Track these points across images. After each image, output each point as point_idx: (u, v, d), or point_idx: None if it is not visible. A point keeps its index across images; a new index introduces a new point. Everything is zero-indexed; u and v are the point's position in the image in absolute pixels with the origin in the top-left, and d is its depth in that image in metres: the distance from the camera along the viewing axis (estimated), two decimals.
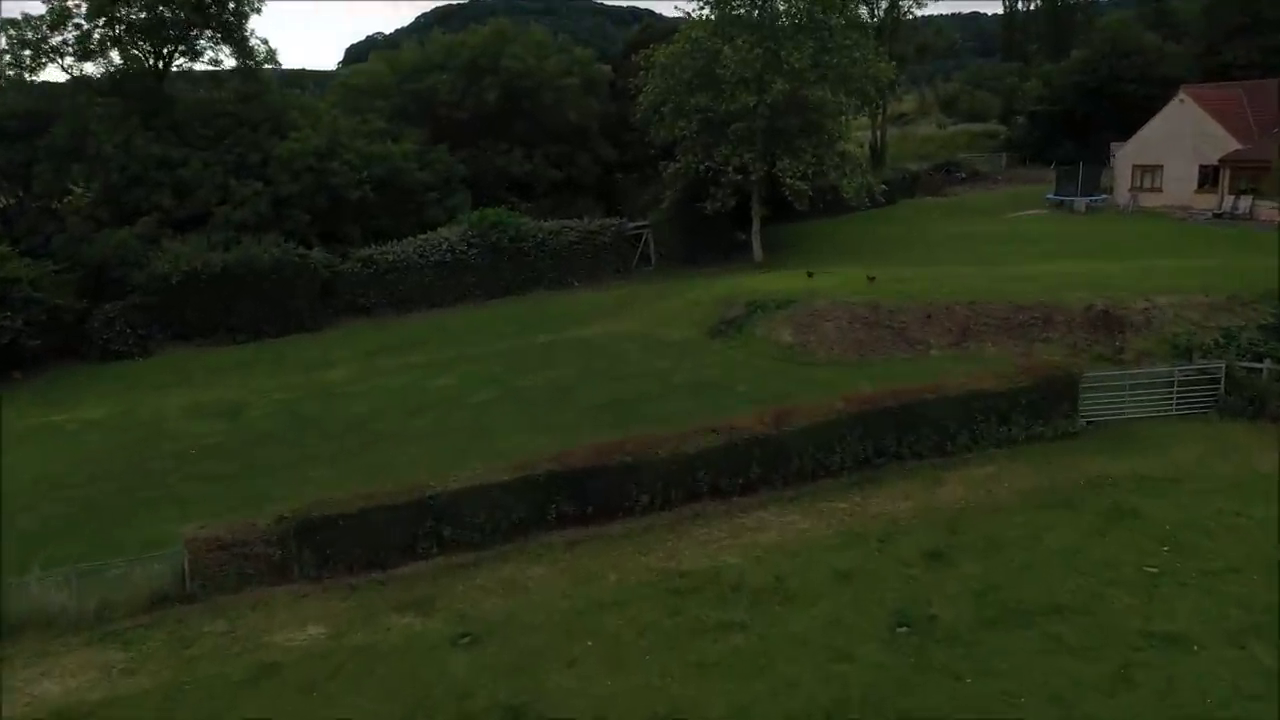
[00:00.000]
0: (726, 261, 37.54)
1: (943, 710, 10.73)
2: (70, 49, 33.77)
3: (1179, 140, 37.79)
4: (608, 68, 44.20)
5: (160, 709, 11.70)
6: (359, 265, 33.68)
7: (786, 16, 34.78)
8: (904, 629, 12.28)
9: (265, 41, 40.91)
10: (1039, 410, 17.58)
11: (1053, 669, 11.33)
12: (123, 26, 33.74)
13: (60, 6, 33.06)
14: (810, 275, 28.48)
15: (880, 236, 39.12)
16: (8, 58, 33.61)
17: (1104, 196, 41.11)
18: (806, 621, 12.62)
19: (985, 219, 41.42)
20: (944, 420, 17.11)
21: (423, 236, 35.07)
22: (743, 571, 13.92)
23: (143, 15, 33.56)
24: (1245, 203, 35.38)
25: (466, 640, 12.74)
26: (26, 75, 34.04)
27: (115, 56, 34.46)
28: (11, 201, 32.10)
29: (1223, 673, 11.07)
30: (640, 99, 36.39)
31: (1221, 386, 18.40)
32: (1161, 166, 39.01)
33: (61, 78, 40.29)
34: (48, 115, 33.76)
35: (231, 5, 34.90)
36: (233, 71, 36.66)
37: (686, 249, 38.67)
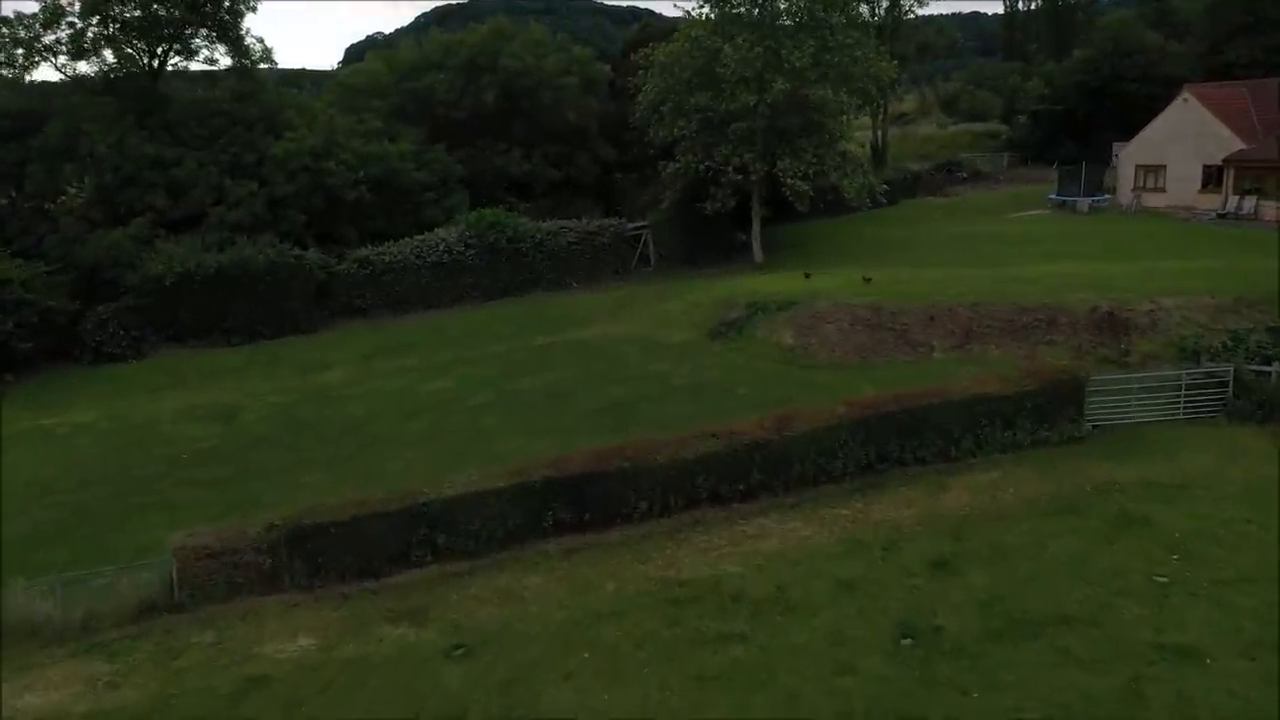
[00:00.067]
0: (726, 262, 37.24)
1: None
2: (64, 48, 33.47)
3: (1182, 140, 37.50)
4: (607, 67, 43.87)
5: None
6: (355, 266, 33.36)
7: (787, 15, 34.47)
8: (908, 641, 11.99)
9: (261, 40, 40.74)
10: (1044, 414, 17.30)
11: (1061, 683, 11.04)
12: (116, 25, 33.39)
13: (53, 5, 32.72)
14: (807, 276, 28.23)
15: (881, 237, 38.84)
16: (1, 56, 33.27)
17: (1107, 196, 40.84)
18: (808, 633, 12.33)
19: (987, 219, 41.16)
20: (948, 425, 16.84)
21: (420, 237, 34.75)
22: (743, 580, 13.63)
23: (137, 14, 33.23)
24: (1250, 203, 35.11)
25: (460, 652, 12.46)
26: (19, 74, 33.71)
27: (109, 55, 34.23)
28: (4, 202, 31.74)
29: (1236, 687, 10.77)
30: (639, 98, 36.08)
31: (1230, 390, 18.12)
32: (1165, 166, 38.73)
33: (55, 77, 39.98)
34: (41, 115, 33.46)
35: (227, 4, 34.59)
36: (228, 71, 36.32)
37: (686, 250, 38.37)
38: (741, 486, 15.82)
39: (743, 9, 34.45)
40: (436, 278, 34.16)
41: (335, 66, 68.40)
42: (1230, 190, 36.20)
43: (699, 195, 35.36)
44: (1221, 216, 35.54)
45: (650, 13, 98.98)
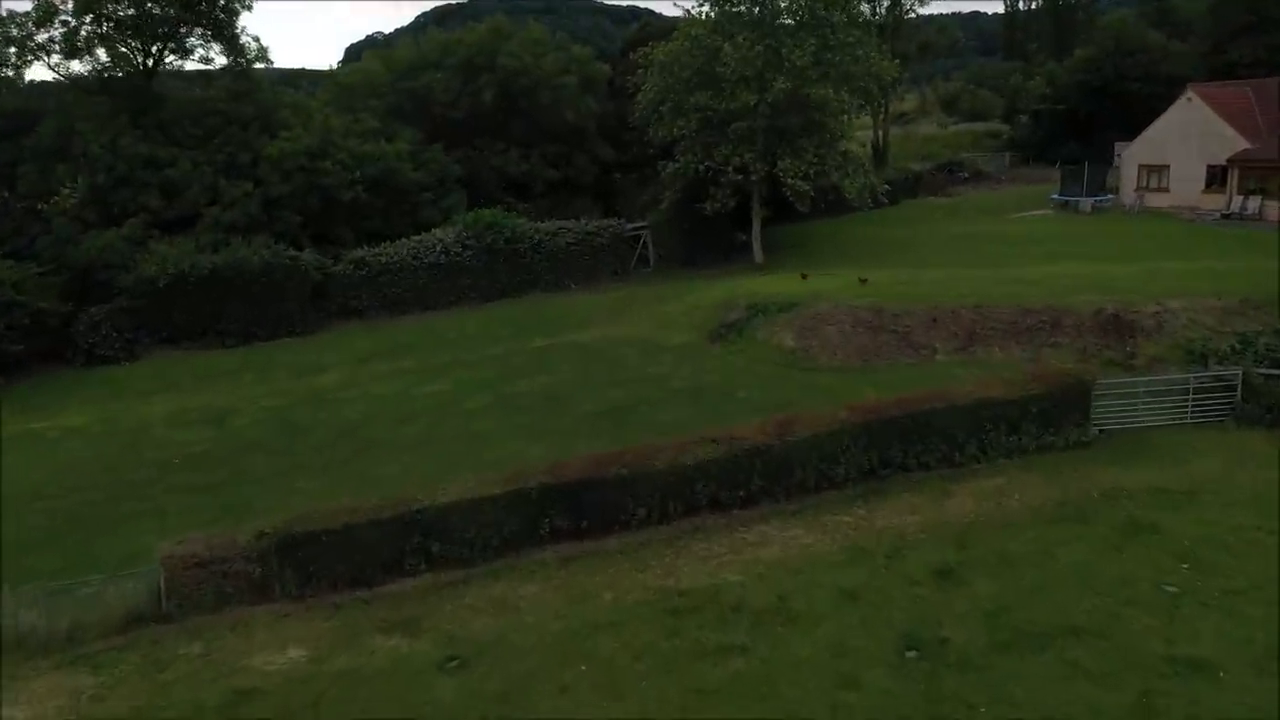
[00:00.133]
0: (726, 263, 36.97)
1: None
2: (57, 46, 33.20)
3: (1186, 139, 37.24)
4: (606, 66, 43.57)
5: None
6: (351, 267, 33.07)
7: (788, 14, 34.19)
8: (913, 653, 11.69)
9: (256, 39, 40.32)
10: (1050, 419, 17.00)
11: (1071, 697, 10.74)
12: (110, 24, 33.09)
13: (46, 3, 32.41)
14: (804, 277, 27.99)
15: (883, 237, 38.59)
16: None
17: (1109, 196, 40.59)
18: (810, 645, 12.02)
19: (989, 219, 40.92)
20: (952, 429, 16.53)
21: (417, 238, 34.46)
22: (744, 590, 13.33)
23: (130, 12, 32.92)
24: (1254, 203, 34.86)
25: (454, 664, 12.15)
26: (12, 74, 33.40)
27: (102, 54, 33.91)
28: None
29: (1250, 701, 10.48)
30: (639, 98, 35.81)
31: (1238, 393, 17.83)
32: (1168, 166, 38.47)
33: (48, 76, 39.68)
34: (34, 114, 33.17)
35: (221, 2, 34.27)
36: (223, 70, 36.01)
37: (686, 250, 38.09)
38: (742, 493, 15.51)
39: (743, 7, 34.17)
40: (434, 279, 33.86)
41: (335, 66, 68.27)
42: (1234, 190, 35.95)
43: (699, 195, 35.08)
44: (1225, 217, 35.28)
45: (650, 12, 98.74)
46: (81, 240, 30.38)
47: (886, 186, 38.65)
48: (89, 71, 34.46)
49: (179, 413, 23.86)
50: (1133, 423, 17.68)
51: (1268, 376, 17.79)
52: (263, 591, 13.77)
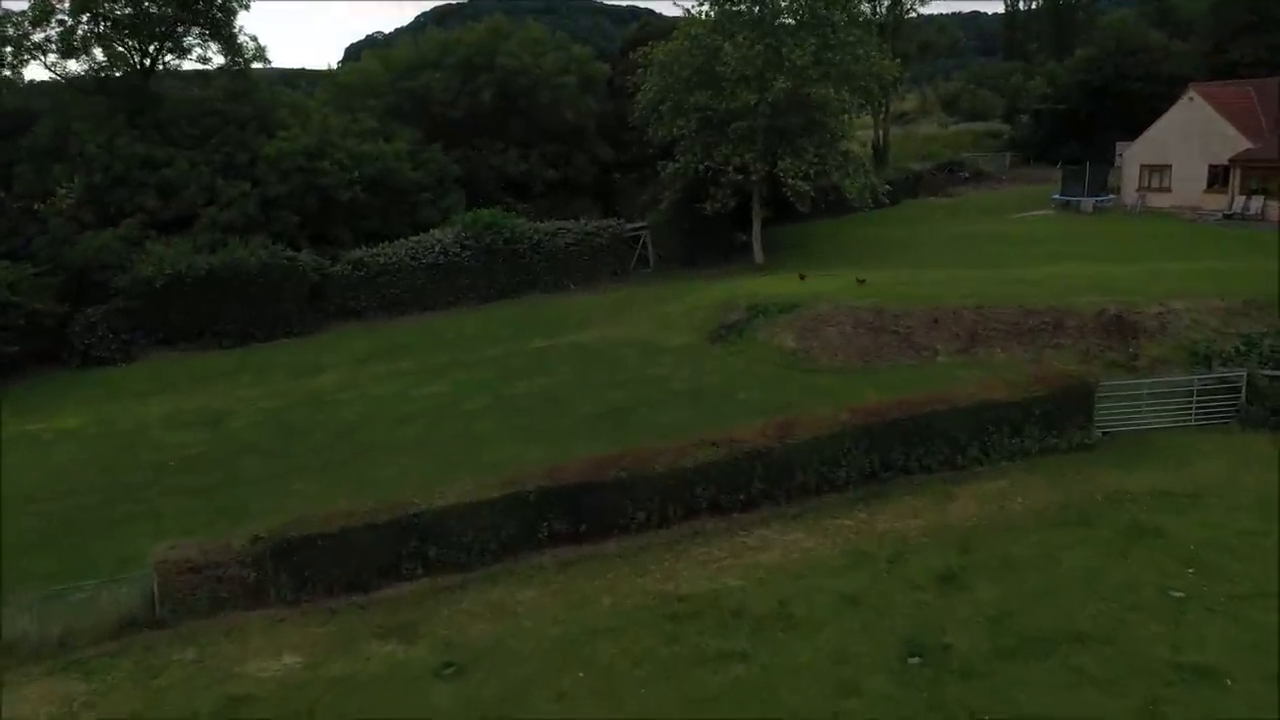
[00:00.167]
0: (726, 263, 36.80)
1: None
2: (53, 46, 32.96)
3: (1188, 139, 37.09)
4: (605, 66, 43.41)
5: None
6: (349, 268, 32.88)
7: (788, 13, 34.02)
8: (916, 660, 11.54)
9: (254, 38, 40.08)
10: (1053, 421, 16.86)
11: (1076, 704, 10.61)
12: (107, 23, 32.90)
13: (43, 2, 32.18)
14: (802, 278, 27.86)
15: (883, 238, 38.43)
16: None
17: (1111, 197, 40.44)
18: (811, 651, 11.88)
19: (990, 219, 40.76)
20: (954, 432, 16.39)
21: (415, 238, 34.27)
22: (744, 595, 13.19)
23: (127, 11, 32.74)
24: (1256, 203, 34.70)
25: (451, 671, 12.00)
26: (8, 73, 33.21)
27: (99, 54, 33.66)
28: None
29: (1258, 710, 10.32)
30: (638, 97, 35.64)
31: (1243, 395, 17.68)
32: (1170, 166, 38.31)
33: (45, 76, 39.50)
34: (30, 114, 32.97)
35: (219, 1, 34.07)
36: (220, 69, 35.82)
37: (686, 251, 37.93)
38: (742, 496, 15.37)
39: (743, 6, 34.01)
40: (432, 279, 33.69)
41: (336, 66, 67.95)
42: (1236, 190, 35.80)
43: (699, 195, 34.92)
44: (1228, 217, 35.13)
45: (650, 11, 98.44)
46: (78, 241, 30.20)
47: (887, 187, 38.50)
48: (86, 71, 34.28)
49: (175, 414, 23.70)
50: (1136, 425, 17.54)
51: (1272, 378, 17.65)
52: (257, 596, 13.63)
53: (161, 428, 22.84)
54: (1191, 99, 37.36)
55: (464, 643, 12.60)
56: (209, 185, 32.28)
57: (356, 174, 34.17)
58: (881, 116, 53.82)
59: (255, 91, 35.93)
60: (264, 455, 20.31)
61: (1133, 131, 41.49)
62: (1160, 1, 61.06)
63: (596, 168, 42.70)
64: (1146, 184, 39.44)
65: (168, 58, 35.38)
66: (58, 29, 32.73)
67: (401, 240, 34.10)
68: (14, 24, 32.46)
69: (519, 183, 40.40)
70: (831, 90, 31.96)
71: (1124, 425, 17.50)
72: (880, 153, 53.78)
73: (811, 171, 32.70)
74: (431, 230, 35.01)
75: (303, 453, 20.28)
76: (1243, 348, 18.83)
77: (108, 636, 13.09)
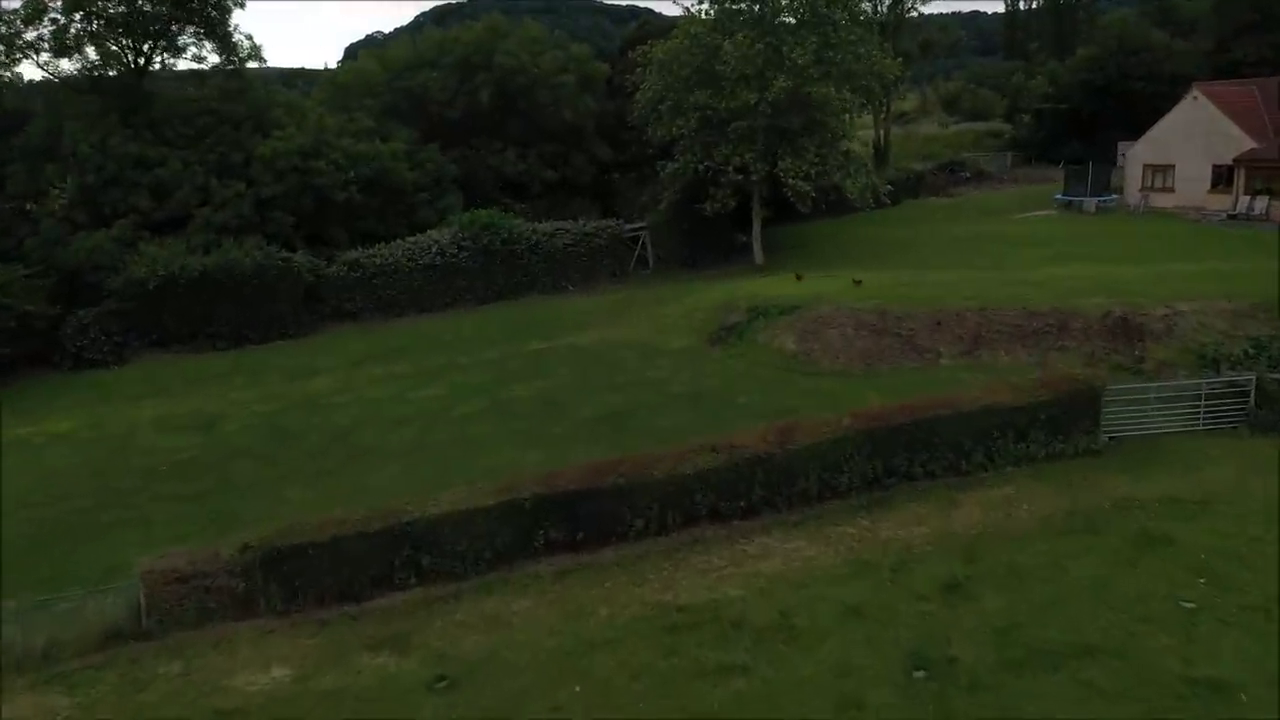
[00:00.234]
0: (726, 264, 36.52)
1: None
2: (46, 44, 32.61)
3: (1192, 139, 36.78)
4: (605, 65, 43.11)
5: None
6: (345, 269, 32.57)
7: (788, 12, 33.73)
8: (921, 673, 11.23)
9: (249, 37, 39.67)
10: (1059, 426, 16.55)
11: (1086, 719, 10.28)
12: (100, 21, 32.58)
13: (35, 0, 31.88)
14: (799, 279, 27.62)
15: (884, 238, 38.14)
16: None
17: (1114, 197, 40.14)
18: (813, 664, 11.57)
19: (992, 220, 40.46)
20: (958, 437, 16.09)
21: (412, 239, 33.97)
22: (744, 605, 12.87)
23: (121, 9, 32.42)
24: (1261, 203, 34.39)
25: (444, 684, 11.69)
26: (1, 72, 32.87)
27: (92, 53, 33.36)
28: None
29: None
30: (638, 96, 35.35)
31: (1251, 400, 17.38)
32: (1173, 166, 38.01)
33: (37, 75, 39.19)
34: (22, 113, 32.66)
35: None
36: (215, 69, 35.48)
37: (685, 251, 37.63)
38: (743, 503, 15.07)
39: (743, 5, 33.72)
40: (429, 281, 33.39)
41: (336, 66, 67.48)
42: (1241, 190, 35.48)
43: (698, 196, 34.63)
44: (1232, 217, 34.82)
45: (649, 11, 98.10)
46: (70, 242, 29.89)
47: (889, 187, 38.15)
48: (79, 70, 33.96)
49: (167, 418, 23.39)
50: (1143, 429, 17.24)
51: None
52: (246, 607, 13.33)
53: (154, 431, 22.53)
54: (1195, 98, 37.05)
55: (457, 655, 12.30)
56: (203, 185, 31.96)
57: (352, 174, 33.85)
58: (882, 116, 53.53)
59: (250, 91, 35.59)
60: (256, 460, 20.03)
61: (1135, 131, 41.20)
62: (1161, 1, 60.77)
63: (595, 168, 42.38)
64: (1149, 184, 39.14)
65: (162, 57, 35.10)
66: (50, 27, 32.45)
67: (398, 241, 33.80)
68: (6, 22, 32.17)
69: (517, 183, 40.09)
70: (832, 89, 31.67)
71: (1131, 430, 17.20)
72: (881, 152, 53.48)
73: (812, 171, 32.42)
74: (428, 231, 34.71)
75: (296, 457, 20.00)
76: (1251, 351, 18.55)
77: (93, 648, 12.78)
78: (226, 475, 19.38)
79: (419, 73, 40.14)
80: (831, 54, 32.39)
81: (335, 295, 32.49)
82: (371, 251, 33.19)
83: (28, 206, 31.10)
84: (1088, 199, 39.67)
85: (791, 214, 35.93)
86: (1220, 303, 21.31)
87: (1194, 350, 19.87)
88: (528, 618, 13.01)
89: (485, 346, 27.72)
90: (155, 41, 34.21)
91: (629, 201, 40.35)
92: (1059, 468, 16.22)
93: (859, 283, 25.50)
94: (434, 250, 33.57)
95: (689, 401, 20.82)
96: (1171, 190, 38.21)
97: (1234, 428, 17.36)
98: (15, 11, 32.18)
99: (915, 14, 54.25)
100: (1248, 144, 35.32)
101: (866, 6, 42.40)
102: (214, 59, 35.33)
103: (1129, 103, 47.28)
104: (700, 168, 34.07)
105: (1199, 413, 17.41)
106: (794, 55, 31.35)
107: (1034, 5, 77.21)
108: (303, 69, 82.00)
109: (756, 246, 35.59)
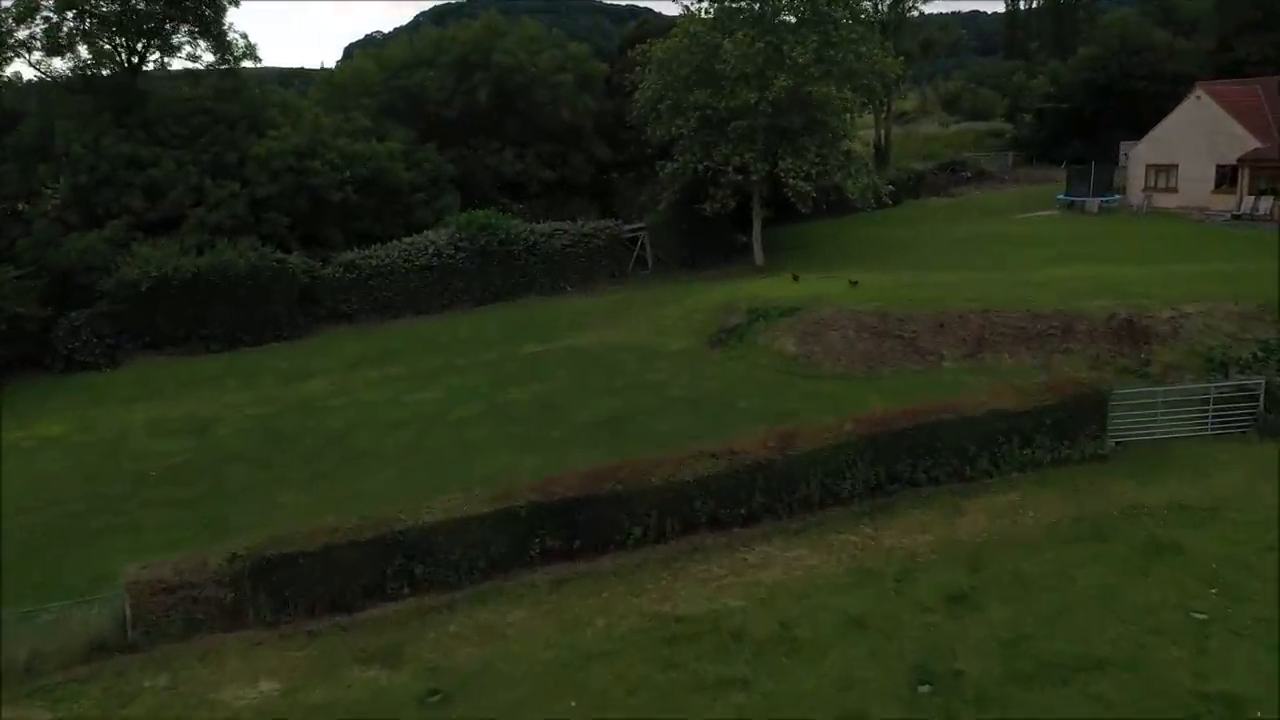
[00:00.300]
0: (726, 265, 36.22)
1: None
2: (38, 43, 32.28)
3: (1195, 139, 36.49)
4: (603, 64, 42.79)
5: None
6: (341, 270, 32.25)
7: (789, 10, 33.42)
8: (926, 687, 10.93)
9: (244, 36, 39.30)
10: (1065, 430, 16.25)
11: None
12: (93, 20, 32.24)
13: None
14: (795, 279, 27.35)
15: (886, 239, 37.86)
16: None
17: (1116, 197, 39.85)
18: (816, 678, 11.27)
19: (994, 220, 40.18)
20: (962, 442, 15.77)
21: (408, 240, 33.65)
22: (745, 616, 12.58)
23: (114, 7, 32.08)
24: (1266, 204, 34.09)
25: (436, 698, 11.40)
26: None
27: (84, 51, 32.96)
28: None
29: None
30: (637, 96, 35.05)
31: (1261, 404, 17.07)
32: (1176, 166, 37.72)
33: (30, 74, 38.77)
34: (14, 113, 32.31)
35: None
36: (210, 68, 35.14)
37: (685, 252, 37.33)
38: (743, 510, 14.77)
39: (743, 3, 33.46)
40: (425, 282, 33.07)
41: (334, 66, 67.00)
42: (1245, 190, 35.19)
43: (698, 196, 34.33)
44: (1236, 218, 34.53)
45: (649, 10, 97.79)
46: (62, 242, 29.55)
47: (890, 187, 37.83)
48: (71, 69, 33.57)
49: (160, 421, 23.07)
50: (1151, 434, 16.94)
51: None
52: (235, 618, 13.03)
53: (146, 435, 22.23)
54: (1199, 98, 36.77)
55: (450, 667, 12.01)
56: (197, 186, 31.62)
57: (348, 174, 33.52)
58: (883, 115, 53.24)
59: (245, 90, 35.25)
60: (249, 464, 19.72)
61: (1137, 131, 40.92)
62: (1162, 0, 60.47)
63: (594, 168, 42.06)
64: (1152, 184, 38.87)
65: (156, 55, 34.80)
66: (42, 26, 32.08)
67: (394, 242, 33.49)
68: None
69: (515, 183, 39.76)
70: (833, 89, 31.38)
71: (1138, 435, 16.91)
72: (882, 152, 53.20)
73: (813, 171, 32.14)
74: (425, 231, 34.38)
75: (289, 462, 19.70)
76: (1260, 354, 18.23)
77: (77, 661, 12.48)
78: (219, 480, 19.07)
79: (416, 72, 39.81)
80: (833, 53, 32.10)
81: (331, 297, 32.18)
82: (367, 252, 32.88)
83: (20, 207, 30.81)
84: (1090, 199, 39.39)
85: (792, 214, 35.63)
86: (1227, 304, 20.99)
87: (1201, 353, 19.56)
88: (523, 629, 12.72)
89: (482, 348, 27.42)
90: (149, 40, 33.88)
91: (628, 201, 40.03)
92: (1065, 473, 15.93)
93: (855, 284, 25.23)
94: (431, 251, 33.26)
95: (688, 405, 20.52)
96: (1175, 190, 37.93)
97: (1243, 432, 17.05)
98: (7, 10, 31.88)
99: (916, 13, 54.03)
100: (1252, 144, 35.03)
101: (867, 5, 42.11)
102: (209, 58, 35.12)
103: (1131, 102, 47.00)
104: (700, 168, 33.78)
105: (1207, 417, 17.11)
106: (795, 54, 31.06)
107: (1034, 5, 76.97)
108: (302, 69, 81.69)
109: (756, 247, 35.29)
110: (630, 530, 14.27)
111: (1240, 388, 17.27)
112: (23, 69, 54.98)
